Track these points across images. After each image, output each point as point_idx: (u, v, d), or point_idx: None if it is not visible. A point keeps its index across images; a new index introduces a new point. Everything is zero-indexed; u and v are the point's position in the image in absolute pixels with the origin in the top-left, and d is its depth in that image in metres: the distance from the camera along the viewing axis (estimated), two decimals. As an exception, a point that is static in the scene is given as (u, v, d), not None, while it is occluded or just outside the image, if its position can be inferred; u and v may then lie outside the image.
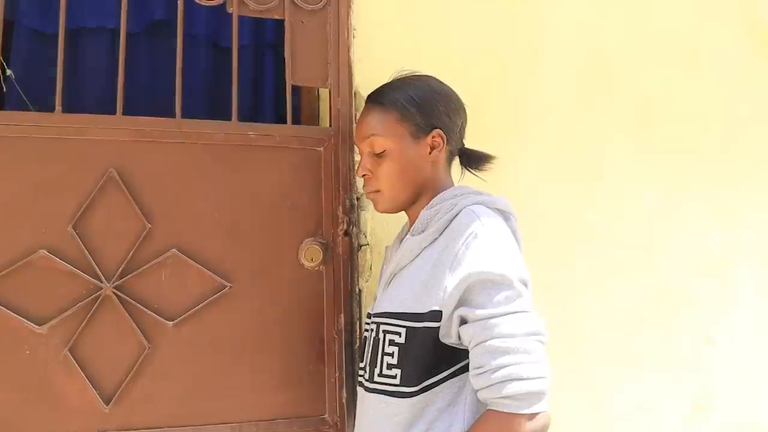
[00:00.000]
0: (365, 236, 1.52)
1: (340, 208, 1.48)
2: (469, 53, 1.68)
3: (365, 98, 1.29)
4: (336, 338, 1.46)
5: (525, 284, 1.10)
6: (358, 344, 1.48)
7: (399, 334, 1.13)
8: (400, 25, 1.61)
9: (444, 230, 1.16)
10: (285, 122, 1.48)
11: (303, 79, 1.50)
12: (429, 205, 1.22)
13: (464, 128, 1.29)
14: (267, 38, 2.05)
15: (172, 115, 1.42)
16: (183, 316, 1.37)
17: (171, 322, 1.36)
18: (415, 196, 1.25)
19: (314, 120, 1.86)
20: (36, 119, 1.33)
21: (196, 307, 1.38)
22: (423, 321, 1.10)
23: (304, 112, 1.91)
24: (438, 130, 1.22)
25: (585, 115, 1.79)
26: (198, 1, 1.43)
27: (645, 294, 1.80)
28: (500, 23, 1.72)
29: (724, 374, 1.86)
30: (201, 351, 1.38)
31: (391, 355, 1.14)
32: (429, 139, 1.22)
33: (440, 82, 1.27)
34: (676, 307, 1.83)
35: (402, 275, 1.20)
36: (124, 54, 1.41)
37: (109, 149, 1.37)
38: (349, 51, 1.53)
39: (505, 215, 1.21)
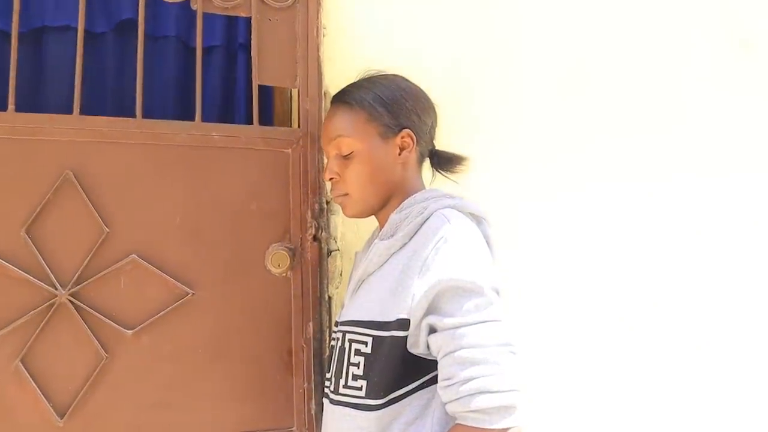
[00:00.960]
0: (335, 241, 1.47)
1: (309, 212, 1.43)
2: (443, 53, 1.63)
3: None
4: (304, 347, 1.41)
5: (497, 292, 1.05)
6: (327, 353, 1.42)
7: (365, 343, 1.08)
8: (372, 24, 1.56)
9: (413, 235, 1.11)
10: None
11: (270, 79, 1.45)
12: (399, 208, 1.17)
13: (434, 128, 1.25)
14: (239, 39, 1.99)
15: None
16: (143, 324, 1.31)
17: (130, 331, 1.30)
18: (385, 200, 1.21)
19: (287, 122, 1.80)
20: (-14, 118, 1.27)
21: (157, 315, 1.32)
22: (390, 330, 1.05)
23: (276, 113, 1.86)
24: (407, 130, 1.18)
25: (565, 117, 1.75)
26: (161, -2, 1.38)
27: (627, 299, 1.76)
28: (476, 21, 1.67)
29: (712, 383, 1.83)
30: (162, 361, 1.33)
31: (357, 365, 1.09)
32: (398, 140, 1.18)
33: (408, 80, 1.22)
34: (661, 314, 1.79)
35: (369, 281, 1.15)
36: (81, 52, 1.35)
37: (66, 150, 1.31)
38: (318, 50, 1.48)
39: (477, 219, 1.17)
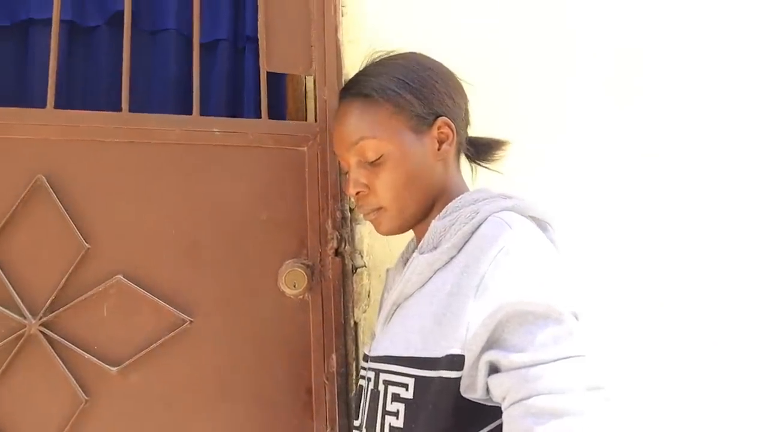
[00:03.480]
0: (361, 256, 1.26)
1: (329, 221, 1.23)
2: (478, 31, 1.43)
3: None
4: (326, 384, 1.20)
5: (576, 317, 0.82)
6: (353, 392, 1.21)
7: (405, 386, 0.86)
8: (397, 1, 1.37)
9: (463, 246, 0.89)
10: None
11: (281, 65, 1.26)
12: (441, 214, 0.94)
13: (468, 112, 1.04)
14: (246, 32, 1.84)
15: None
16: (130, 360, 1.12)
17: (115, 368, 1.11)
18: (428, 208, 0.99)
19: (301, 117, 1.62)
20: (-57, 113, 1.08)
21: (148, 349, 1.13)
22: (438, 369, 0.82)
23: (289, 111, 1.68)
24: (443, 118, 0.96)
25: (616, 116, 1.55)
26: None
27: (634, 299, 1.53)
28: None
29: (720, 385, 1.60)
30: (154, 404, 1.13)
31: (395, 414, 0.86)
32: (434, 132, 0.96)
33: (430, 57, 1.02)
34: (668, 314, 1.57)
35: (407, 306, 0.93)
36: (56, 41, 1.19)
37: (37, 150, 1.13)
38: (336, 31, 1.30)
39: (542, 225, 0.94)
